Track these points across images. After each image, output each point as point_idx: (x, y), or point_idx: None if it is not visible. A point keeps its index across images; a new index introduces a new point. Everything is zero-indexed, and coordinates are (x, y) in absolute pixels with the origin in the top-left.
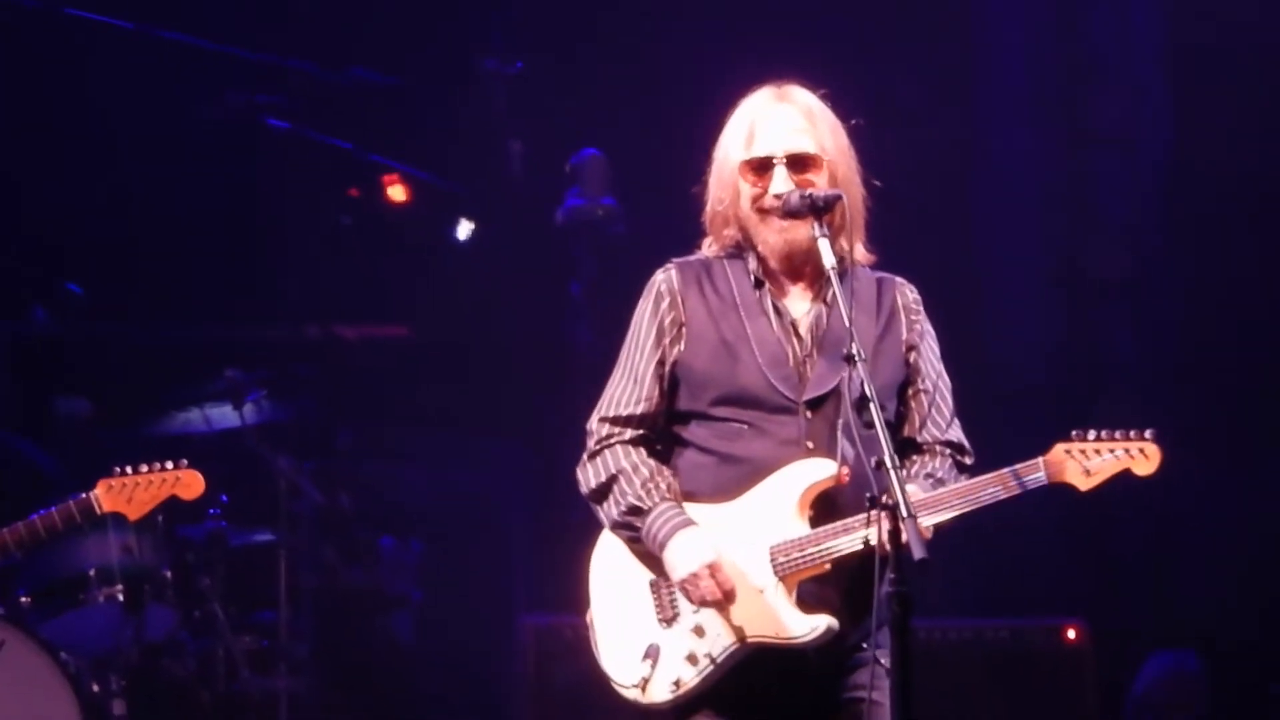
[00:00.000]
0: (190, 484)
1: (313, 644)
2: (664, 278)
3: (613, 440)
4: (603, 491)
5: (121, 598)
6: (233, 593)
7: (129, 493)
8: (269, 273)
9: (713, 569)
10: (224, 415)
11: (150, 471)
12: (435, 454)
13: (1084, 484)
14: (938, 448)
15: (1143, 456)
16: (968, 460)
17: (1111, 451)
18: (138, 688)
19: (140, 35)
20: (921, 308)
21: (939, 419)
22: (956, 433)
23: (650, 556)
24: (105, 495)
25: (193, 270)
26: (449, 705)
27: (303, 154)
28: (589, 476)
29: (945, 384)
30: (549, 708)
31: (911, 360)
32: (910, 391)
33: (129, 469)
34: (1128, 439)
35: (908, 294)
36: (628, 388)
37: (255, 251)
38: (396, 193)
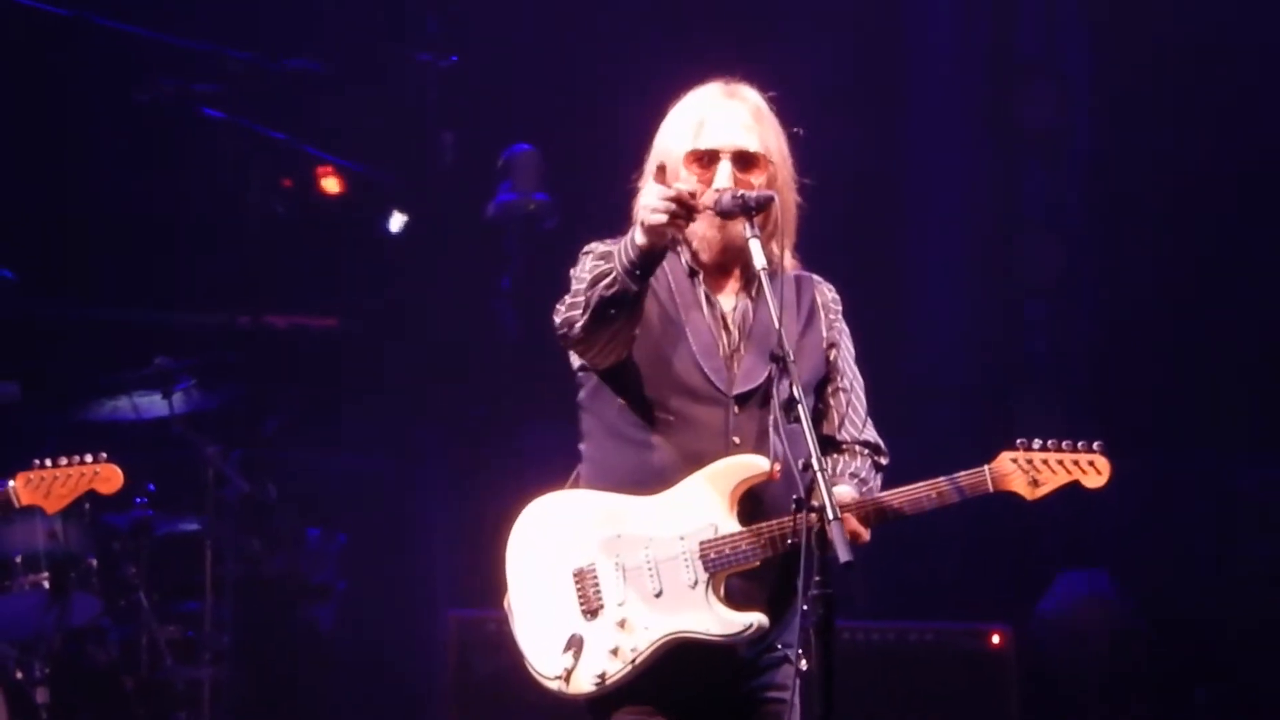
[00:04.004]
0: (109, 478)
1: (236, 633)
2: (600, 246)
3: None
4: (585, 302)
5: (47, 584)
6: (157, 581)
7: (47, 486)
8: (201, 261)
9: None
10: (152, 403)
11: (69, 465)
12: (363, 444)
13: (1031, 494)
14: (856, 447)
15: (1094, 470)
16: (883, 460)
17: (1061, 464)
18: (61, 675)
19: (77, 21)
20: (840, 307)
21: (855, 419)
22: (872, 433)
23: (573, 541)
24: (23, 489)
25: (125, 257)
26: (371, 696)
27: (237, 143)
28: (574, 315)
29: (860, 384)
30: (471, 700)
31: (831, 358)
32: (829, 389)
33: (48, 462)
34: (1075, 450)
35: (826, 293)
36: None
37: (187, 239)
38: (330, 184)
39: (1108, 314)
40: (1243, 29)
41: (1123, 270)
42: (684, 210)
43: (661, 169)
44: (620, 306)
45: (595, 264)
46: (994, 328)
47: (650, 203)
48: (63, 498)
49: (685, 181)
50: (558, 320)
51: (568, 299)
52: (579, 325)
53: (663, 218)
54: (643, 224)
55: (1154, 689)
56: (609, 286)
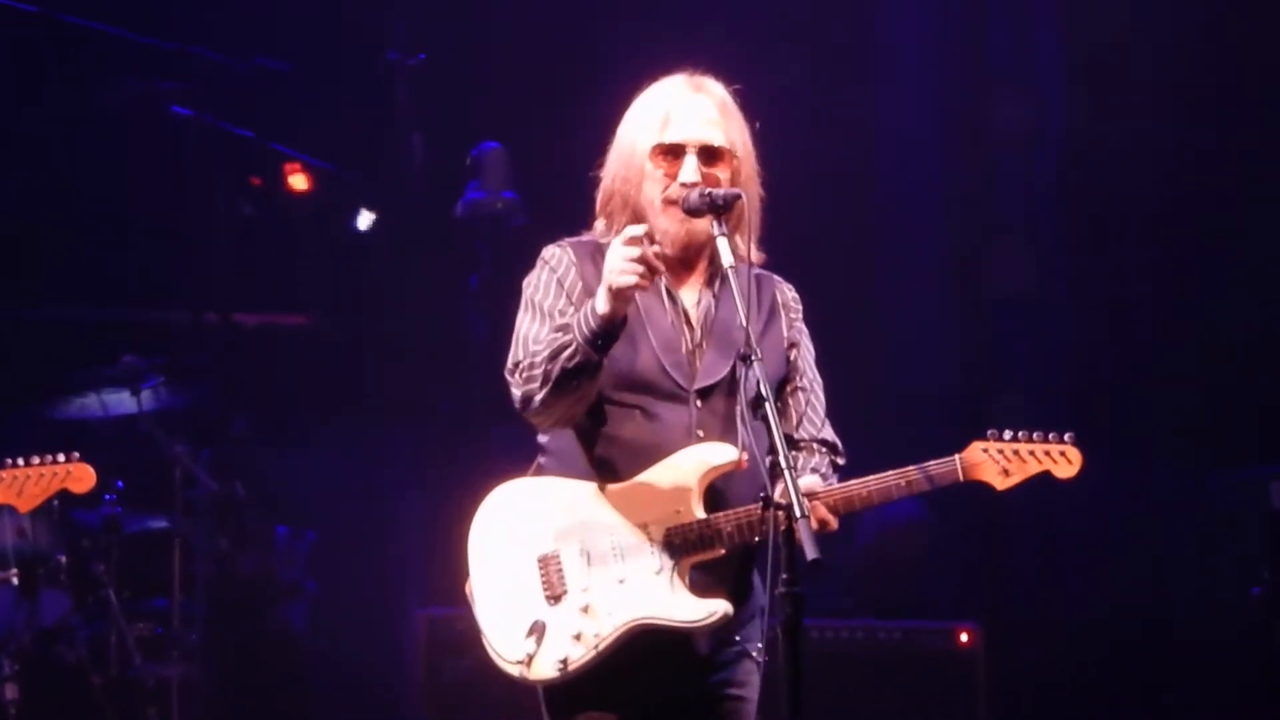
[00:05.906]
0: (81, 477)
1: (205, 632)
2: (559, 252)
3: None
4: (544, 376)
5: (15, 582)
6: (126, 579)
7: (19, 486)
8: (169, 259)
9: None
10: (121, 401)
11: (41, 464)
12: (331, 443)
13: (1001, 484)
14: (814, 445)
15: (1065, 460)
16: (840, 460)
17: (1032, 454)
18: (30, 672)
19: (42, 18)
20: (800, 307)
21: (814, 417)
22: (830, 432)
23: (537, 527)
24: None
25: (94, 255)
26: (341, 695)
27: (205, 141)
28: (533, 389)
29: (819, 384)
30: (440, 699)
31: (791, 357)
32: (789, 388)
33: (20, 461)
34: (1046, 441)
35: (786, 292)
36: (542, 325)
37: (156, 238)
38: (298, 181)
39: (1083, 318)
40: (1218, 30)
41: (1098, 275)
42: (651, 272)
43: (648, 235)
44: (582, 376)
45: (553, 336)
46: (970, 333)
47: (618, 265)
48: (35, 497)
49: (651, 177)
50: (516, 394)
51: (523, 370)
52: (538, 399)
53: (632, 279)
54: (610, 287)
55: (1121, 692)
56: (570, 358)
